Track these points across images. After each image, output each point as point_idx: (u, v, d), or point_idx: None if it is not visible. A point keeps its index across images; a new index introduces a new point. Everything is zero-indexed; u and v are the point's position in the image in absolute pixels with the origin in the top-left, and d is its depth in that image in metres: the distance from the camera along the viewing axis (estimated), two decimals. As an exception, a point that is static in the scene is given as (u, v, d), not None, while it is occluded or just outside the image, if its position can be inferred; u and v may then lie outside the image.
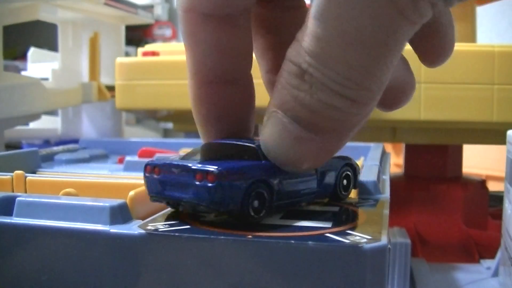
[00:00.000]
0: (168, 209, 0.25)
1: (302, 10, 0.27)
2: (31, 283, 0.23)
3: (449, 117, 0.47)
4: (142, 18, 0.77)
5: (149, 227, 0.22)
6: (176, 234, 0.21)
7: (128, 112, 0.80)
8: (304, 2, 0.27)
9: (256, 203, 0.23)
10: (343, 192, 0.27)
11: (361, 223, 0.23)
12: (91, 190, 0.28)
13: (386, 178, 0.33)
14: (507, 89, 0.46)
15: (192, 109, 0.26)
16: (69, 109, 0.77)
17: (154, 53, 0.53)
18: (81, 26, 0.74)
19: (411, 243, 0.42)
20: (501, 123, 0.46)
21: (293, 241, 0.20)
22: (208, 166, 0.22)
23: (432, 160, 0.57)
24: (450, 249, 0.52)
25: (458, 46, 0.47)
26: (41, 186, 0.30)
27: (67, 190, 0.28)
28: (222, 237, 0.21)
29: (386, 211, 0.25)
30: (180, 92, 0.50)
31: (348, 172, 0.27)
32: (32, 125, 0.74)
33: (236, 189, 0.22)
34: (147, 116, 0.89)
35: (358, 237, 0.21)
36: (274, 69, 0.27)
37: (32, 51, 0.90)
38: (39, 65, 0.84)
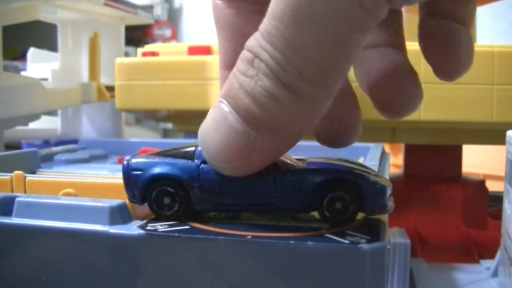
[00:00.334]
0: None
1: None
2: (31, 284, 0.23)
3: (448, 117, 0.47)
4: (141, 18, 0.77)
5: (148, 228, 0.22)
6: (176, 234, 0.21)
7: (128, 112, 0.80)
8: None
9: (167, 199, 0.23)
10: (333, 216, 0.22)
11: (360, 223, 0.23)
12: (91, 191, 0.28)
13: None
14: (507, 89, 0.46)
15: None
16: (68, 109, 0.77)
17: (153, 53, 0.53)
18: (81, 26, 0.74)
19: (410, 243, 0.42)
20: (501, 124, 0.46)
21: (292, 241, 0.20)
22: (132, 158, 0.24)
23: (432, 160, 0.57)
24: (449, 249, 0.52)
25: (458, 46, 0.47)
26: (41, 186, 0.30)
27: (67, 190, 0.28)
28: (221, 237, 0.21)
29: (386, 211, 0.25)
30: (180, 92, 0.50)
31: (344, 195, 0.22)
32: (32, 125, 0.73)
33: (136, 181, 0.24)
34: (146, 117, 0.89)
35: (358, 237, 0.21)
36: None
37: (32, 51, 0.90)
38: (39, 65, 0.84)
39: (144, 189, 0.24)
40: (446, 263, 0.49)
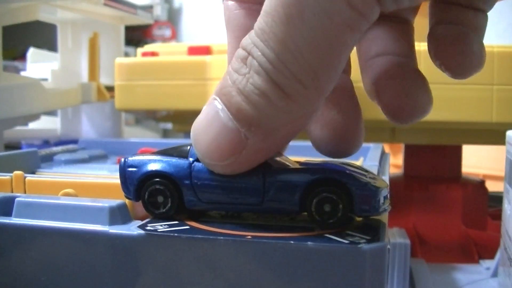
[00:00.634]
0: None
1: None
2: (31, 284, 0.23)
3: (448, 117, 0.47)
4: (141, 19, 0.77)
5: (148, 228, 0.22)
6: (175, 234, 0.21)
7: (128, 113, 0.80)
8: None
9: (160, 197, 0.24)
10: (323, 219, 0.22)
11: (360, 223, 0.23)
12: (91, 191, 0.28)
13: (386, 178, 0.33)
14: (507, 90, 0.46)
15: None
16: (68, 110, 0.76)
17: (153, 54, 0.53)
18: (81, 26, 0.74)
19: (410, 244, 0.42)
20: (501, 124, 0.46)
21: (292, 242, 0.20)
22: (130, 157, 0.25)
23: (432, 161, 0.57)
24: (449, 249, 0.52)
25: (458, 47, 0.47)
26: (41, 187, 0.30)
27: (67, 190, 0.28)
28: (221, 237, 0.21)
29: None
30: (180, 92, 0.50)
31: (331, 196, 0.22)
32: (32, 125, 0.73)
33: (130, 178, 0.24)
34: (146, 117, 0.89)
35: (358, 237, 0.20)
36: None
37: (32, 52, 0.90)
38: (39, 65, 0.84)
39: (137, 186, 0.24)
40: (446, 263, 0.49)
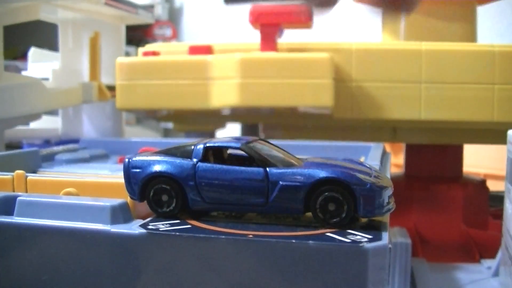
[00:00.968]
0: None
1: None
2: (32, 283, 0.23)
3: (449, 117, 0.47)
4: (142, 18, 0.77)
5: (150, 227, 0.22)
6: (177, 233, 0.21)
7: (129, 112, 0.80)
8: None
9: (164, 197, 0.24)
10: (326, 217, 0.22)
11: (362, 222, 0.23)
12: (92, 190, 0.28)
13: (387, 177, 0.32)
14: (508, 89, 0.46)
15: None
16: (69, 109, 0.76)
17: (154, 53, 0.53)
18: (82, 26, 0.74)
19: (411, 243, 0.42)
20: (502, 123, 0.46)
21: (294, 241, 0.20)
22: (133, 157, 0.25)
23: (432, 160, 0.57)
24: (450, 249, 0.52)
25: (459, 46, 0.47)
26: (42, 186, 0.30)
27: (68, 189, 0.28)
28: (223, 236, 0.21)
29: (387, 211, 0.25)
30: (181, 92, 0.50)
31: (337, 195, 0.22)
32: (33, 125, 0.73)
33: (135, 178, 0.24)
34: (147, 116, 0.89)
35: (359, 236, 0.21)
36: None
37: (33, 51, 0.90)
38: (39, 65, 0.84)
39: (142, 187, 0.24)
40: (447, 262, 0.49)
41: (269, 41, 0.48)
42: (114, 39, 0.77)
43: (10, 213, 0.24)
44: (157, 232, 0.22)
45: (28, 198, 0.24)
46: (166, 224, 0.23)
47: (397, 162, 0.89)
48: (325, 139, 0.47)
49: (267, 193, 0.23)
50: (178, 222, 0.23)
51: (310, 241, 0.20)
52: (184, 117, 0.58)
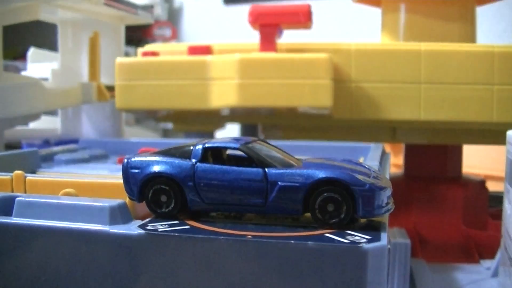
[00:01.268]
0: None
1: None
2: (31, 283, 0.23)
3: (449, 117, 0.47)
4: (142, 18, 0.77)
5: (148, 227, 0.22)
6: (176, 234, 0.21)
7: (128, 113, 0.80)
8: None
9: (163, 197, 0.24)
10: (325, 218, 0.22)
11: (361, 223, 0.23)
12: (91, 190, 0.28)
13: (386, 178, 0.32)
14: (507, 89, 0.46)
15: None
16: (68, 109, 0.76)
17: (154, 53, 0.53)
18: (81, 26, 0.74)
19: (411, 243, 0.42)
20: (501, 123, 0.46)
21: (292, 241, 0.20)
22: (132, 157, 0.25)
23: (432, 160, 0.57)
24: (450, 249, 0.52)
25: (458, 46, 0.47)
26: (41, 186, 0.30)
27: (67, 190, 0.28)
28: (222, 237, 0.21)
29: (386, 211, 0.25)
30: (180, 92, 0.50)
31: (336, 196, 0.22)
32: (32, 125, 0.73)
33: (133, 179, 0.24)
34: (146, 117, 0.89)
35: (358, 237, 0.20)
36: None
37: (32, 51, 0.90)
38: (39, 65, 0.84)
39: (141, 187, 0.24)
40: (446, 263, 0.49)
41: (268, 42, 0.48)
42: (113, 39, 0.77)
43: (9, 213, 0.24)
44: (156, 232, 0.22)
45: (26, 199, 0.24)
46: (165, 224, 0.23)
47: (396, 162, 0.89)
48: (324, 140, 0.47)
49: (266, 194, 0.23)
50: (177, 223, 0.23)
51: (309, 242, 0.20)
52: (184, 117, 0.58)
